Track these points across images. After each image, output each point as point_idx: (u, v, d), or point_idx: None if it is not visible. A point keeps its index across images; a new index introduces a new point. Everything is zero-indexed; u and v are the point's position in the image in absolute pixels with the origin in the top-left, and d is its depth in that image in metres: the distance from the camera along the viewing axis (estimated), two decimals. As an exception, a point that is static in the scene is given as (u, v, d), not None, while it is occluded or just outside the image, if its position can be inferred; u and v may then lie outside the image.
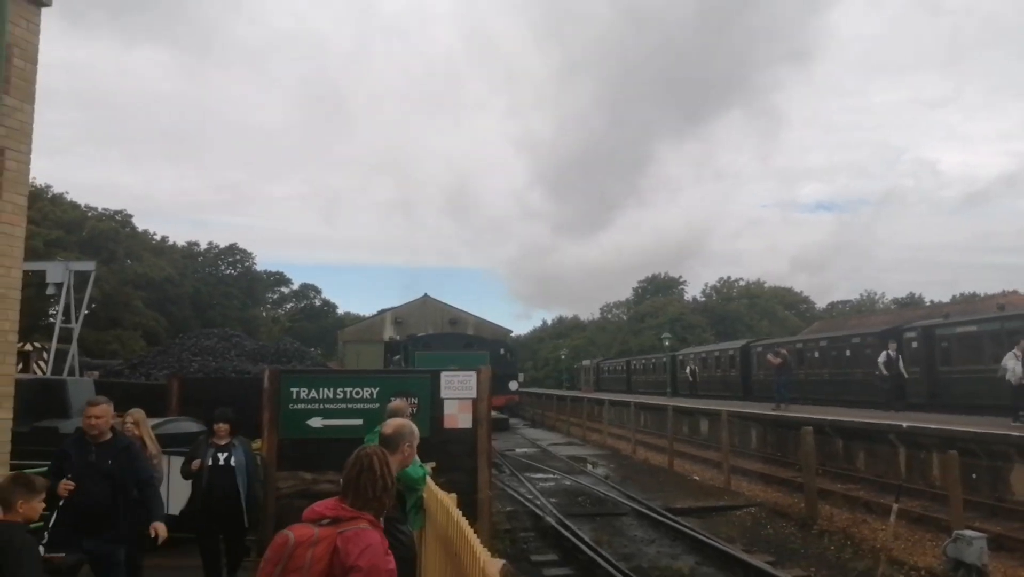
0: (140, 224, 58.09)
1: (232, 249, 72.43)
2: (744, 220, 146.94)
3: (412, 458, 4.69)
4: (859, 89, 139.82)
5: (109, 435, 5.80)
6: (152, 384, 16.63)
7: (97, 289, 33.52)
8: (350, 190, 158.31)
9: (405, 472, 4.77)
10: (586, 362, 69.99)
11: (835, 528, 13.03)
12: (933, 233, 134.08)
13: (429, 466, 5.55)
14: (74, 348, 22.16)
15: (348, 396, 9.28)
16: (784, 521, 14.00)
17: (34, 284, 21.97)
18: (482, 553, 3.60)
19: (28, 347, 23.23)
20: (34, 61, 7.09)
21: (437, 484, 5.71)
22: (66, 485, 5.34)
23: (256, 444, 8.78)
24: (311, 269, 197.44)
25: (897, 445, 16.87)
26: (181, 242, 68.10)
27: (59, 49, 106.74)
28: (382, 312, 70.43)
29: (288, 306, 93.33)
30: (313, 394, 9.24)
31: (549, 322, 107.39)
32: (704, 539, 11.98)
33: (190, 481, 7.23)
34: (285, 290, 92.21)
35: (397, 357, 43.35)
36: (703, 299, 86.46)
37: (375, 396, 9.27)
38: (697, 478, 19.68)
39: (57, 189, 51.23)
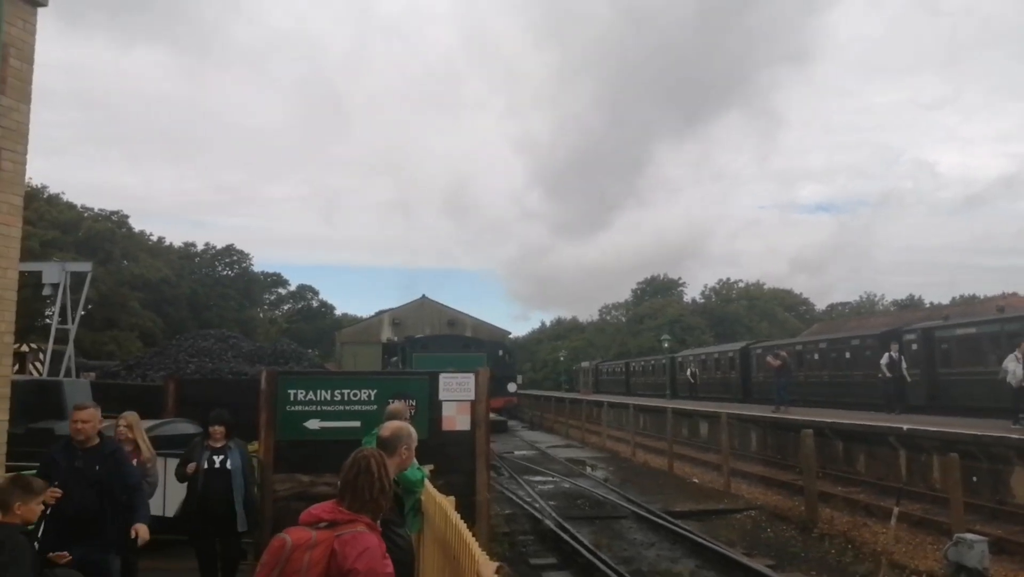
0: (137, 225, 58.12)
1: (229, 250, 72.38)
2: (743, 221, 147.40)
3: (410, 461, 4.65)
4: (858, 90, 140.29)
5: (96, 440, 5.73)
6: (149, 385, 16.59)
7: (93, 290, 33.47)
8: (348, 191, 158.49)
9: (403, 475, 4.73)
10: (585, 364, 69.98)
11: (836, 531, 12.98)
12: (932, 234, 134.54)
13: (427, 468, 5.50)
14: (70, 349, 22.09)
15: (346, 398, 9.23)
16: (784, 524, 13.95)
17: (30, 285, 21.91)
18: (479, 555, 3.56)
19: (24, 348, 23.09)
20: (30, 61, 7.04)
21: (435, 486, 5.67)
22: (52, 492, 5.26)
23: (253, 446, 8.73)
24: (309, 270, 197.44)
25: (897, 448, 16.83)
26: (178, 243, 68.12)
27: (56, 49, 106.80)
28: (380, 313, 70.32)
29: (285, 307, 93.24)
30: (310, 396, 9.19)
31: (548, 323, 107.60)
32: (704, 542, 11.93)
33: (185, 484, 7.17)
34: (282, 291, 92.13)
35: (395, 359, 43.27)
36: (702, 301, 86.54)
37: (373, 398, 9.21)
38: (697, 481, 19.64)
39: (53, 189, 51.33)
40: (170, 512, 8.37)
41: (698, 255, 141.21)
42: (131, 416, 7.08)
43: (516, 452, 27.34)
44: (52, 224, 44.52)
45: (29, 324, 32.66)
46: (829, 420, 19.48)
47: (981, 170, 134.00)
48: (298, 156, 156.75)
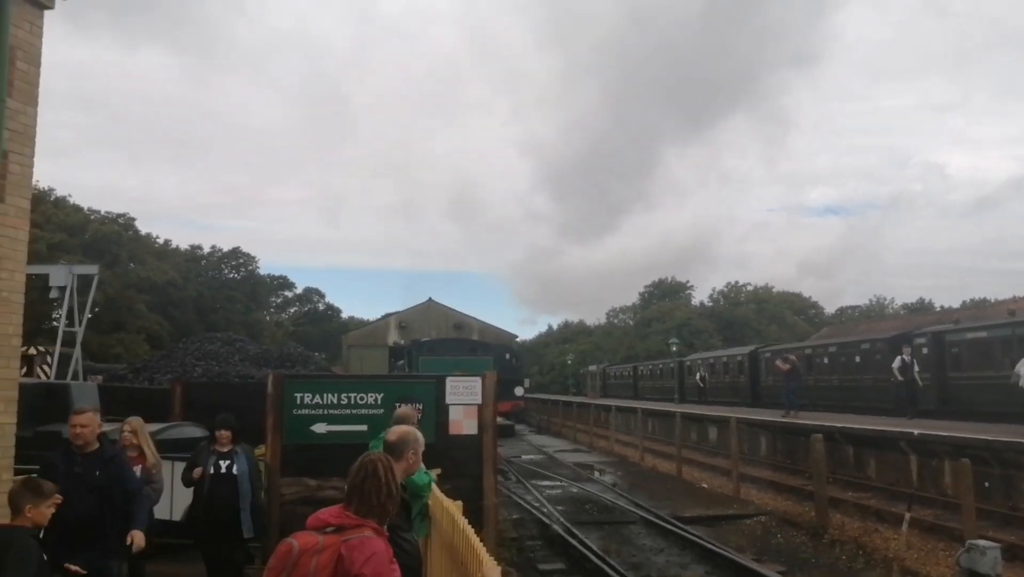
0: (143, 227, 58.18)
1: (235, 253, 72.56)
2: (751, 224, 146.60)
3: (417, 466, 4.61)
4: (867, 93, 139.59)
5: (96, 445, 5.65)
6: (155, 388, 16.58)
7: (100, 293, 33.60)
8: (353, 193, 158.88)
9: (410, 479, 4.69)
10: (592, 368, 69.81)
11: (846, 537, 12.88)
12: (942, 237, 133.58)
13: (434, 473, 5.46)
14: (77, 352, 22.15)
15: (352, 401, 9.21)
16: (794, 530, 13.86)
17: (37, 288, 21.99)
18: (486, 560, 3.53)
19: (32, 351, 23.20)
20: (37, 64, 7.03)
21: (442, 491, 5.63)
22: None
23: (260, 450, 8.70)
24: (315, 273, 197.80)
25: (908, 453, 16.70)
26: (184, 245, 68.29)
27: (62, 51, 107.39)
28: (386, 316, 70.37)
29: (292, 310, 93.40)
30: (317, 399, 9.17)
31: (555, 327, 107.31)
32: (714, 548, 11.84)
33: (192, 488, 7.13)
34: (289, 294, 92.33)
35: (401, 362, 43.26)
36: (710, 304, 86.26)
37: (379, 402, 9.19)
38: (706, 486, 19.53)
39: (60, 192, 51.45)
40: (177, 516, 8.34)
41: (706, 258, 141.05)
42: (136, 421, 7.02)
43: (523, 456, 27.25)
44: (59, 227, 44.70)
45: (36, 327, 32.82)
46: (839, 424, 19.36)
47: (991, 172, 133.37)
48: (302, 158, 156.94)
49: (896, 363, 21.26)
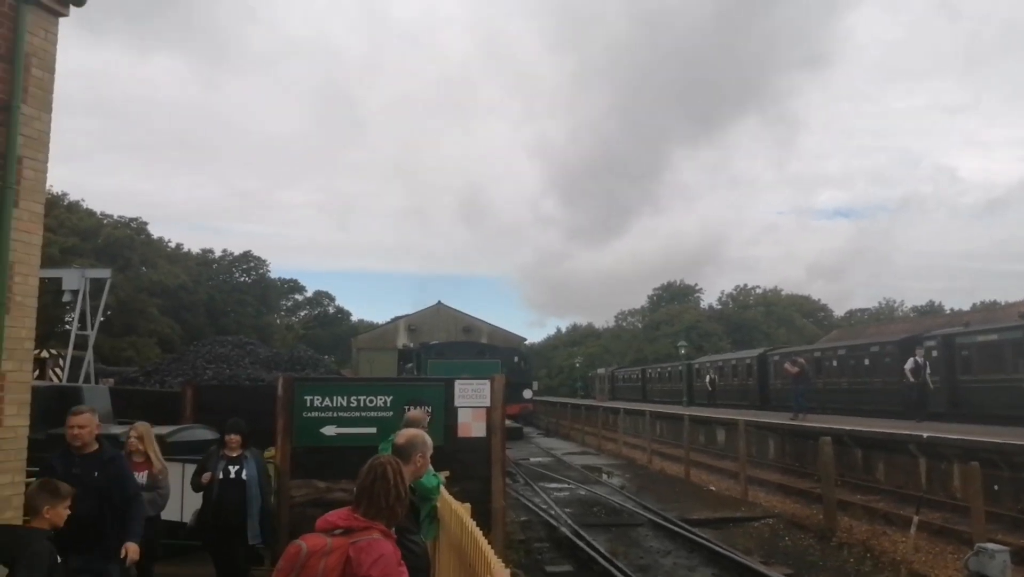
0: (155, 231, 58.50)
1: (246, 256, 72.87)
2: (760, 227, 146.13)
3: (425, 469, 4.66)
4: (877, 95, 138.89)
5: (95, 446, 5.56)
6: (166, 391, 16.67)
7: (112, 296, 33.82)
8: (363, 196, 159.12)
9: (419, 482, 4.73)
10: (601, 370, 69.73)
11: (855, 540, 12.84)
12: (953, 240, 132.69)
13: (443, 475, 5.50)
14: (90, 355, 22.33)
15: (362, 404, 9.27)
16: (802, 533, 13.83)
17: (50, 291, 22.19)
18: (495, 563, 3.56)
19: (44, 354, 23.36)
20: (51, 70, 7.12)
21: (451, 493, 5.66)
22: None
23: (269, 452, 8.76)
24: (325, 276, 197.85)
25: (917, 456, 16.64)
26: (196, 249, 68.60)
27: (75, 57, 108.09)
28: (396, 319, 70.57)
29: (302, 313, 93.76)
30: (327, 402, 9.24)
31: (563, 330, 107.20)
32: (721, 551, 11.84)
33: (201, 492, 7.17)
34: (299, 297, 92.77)
35: (410, 365, 43.34)
36: (719, 307, 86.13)
37: (389, 404, 9.25)
38: (714, 488, 19.51)
39: (73, 196, 51.77)
40: (187, 518, 8.41)
41: (715, 261, 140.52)
42: (142, 427, 7.00)
43: (532, 459, 27.28)
44: (72, 231, 45.01)
45: (49, 330, 33.07)
46: (848, 427, 19.30)
47: (1002, 175, 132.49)
48: (313, 162, 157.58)
49: (909, 364, 21.16)
